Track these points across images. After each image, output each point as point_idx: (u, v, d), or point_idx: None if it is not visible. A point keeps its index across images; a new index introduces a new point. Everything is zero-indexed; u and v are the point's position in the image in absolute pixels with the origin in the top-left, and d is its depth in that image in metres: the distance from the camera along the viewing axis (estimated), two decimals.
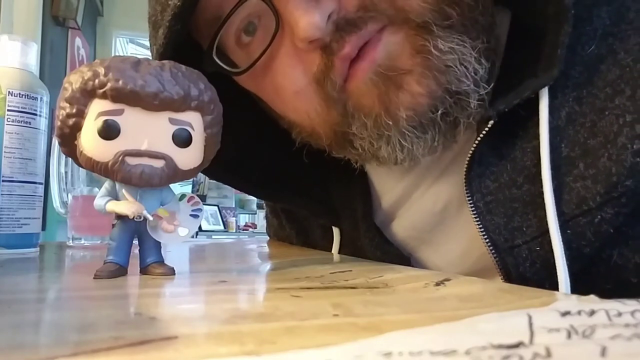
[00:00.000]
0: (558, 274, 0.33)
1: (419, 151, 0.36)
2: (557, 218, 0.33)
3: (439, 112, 0.34)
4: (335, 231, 0.51)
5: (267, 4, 0.35)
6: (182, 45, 0.37)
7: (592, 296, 0.20)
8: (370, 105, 0.36)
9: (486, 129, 0.35)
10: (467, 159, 0.37)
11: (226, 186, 0.59)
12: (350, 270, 0.34)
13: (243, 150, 0.49)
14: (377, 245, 0.45)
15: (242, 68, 0.38)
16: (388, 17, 0.34)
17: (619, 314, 0.15)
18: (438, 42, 0.34)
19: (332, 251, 0.51)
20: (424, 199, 0.43)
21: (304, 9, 0.33)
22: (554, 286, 0.33)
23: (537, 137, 0.35)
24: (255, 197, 0.59)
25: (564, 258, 0.33)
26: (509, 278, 0.36)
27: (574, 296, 0.26)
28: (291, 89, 0.38)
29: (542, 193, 0.34)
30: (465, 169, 0.37)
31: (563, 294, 0.30)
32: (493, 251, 0.36)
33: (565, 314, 0.15)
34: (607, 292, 0.34)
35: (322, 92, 0.37)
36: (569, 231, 0.33)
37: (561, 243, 0.33)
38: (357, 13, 0.34)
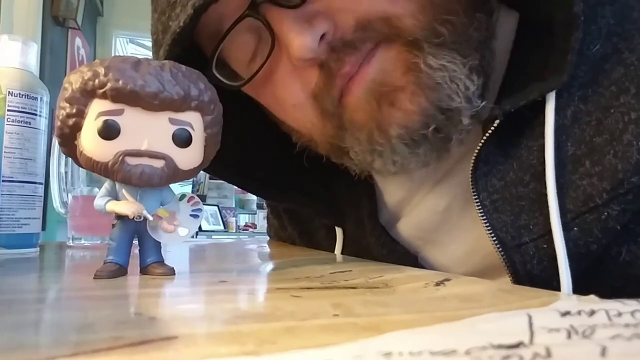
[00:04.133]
0: (560, 272, 0.33)
1: (411, 165, 0.37)
2: (560, 216, 0.33)
3: (430, 128, 0.35)
4: (339, 231, 0.51)
5: (262, 23, 0.35)
6: (184, 56, 0.37)
7: (592, 296, 0.20)
8: (362, 121, 0.36)
9: (492, 128, 0.35)
10: (474, 157, 0.37)
11: (226, 186, 0.59)
12: (350, 270, 0.34)
13: (247, 150, 0.49)
14: (383, 243, 0.45)
15: (242, 81, 0.39)
16: (383, 35, 0.35)
17: (619, 314, 0.15)
18: (428, 58, 0.34)
19: (335, 251, 0.51)
20: (429, 199, 0.43)
21: (297, 31, 0.34)
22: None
23: (543, 135, 0.35)
24: (259, 197, 0.59)
25: (566, 256, 0.33)
26: (516, 276, 0.36)
27: (574, 296, 0.26)
28: (290, 101, 0.39)
29: None
30: (471, 168, 0.37)
31: (563, 294, 0.30)
32: (500, 249, 0.36)
33: (565, 314, 0.15)
34: (617, 290, 0.34)
35: (319, 107, 0.37)
36: (575, 228, 0.34)
37: (563, 241, 0.33)
38: (354, 34, 0.35)
